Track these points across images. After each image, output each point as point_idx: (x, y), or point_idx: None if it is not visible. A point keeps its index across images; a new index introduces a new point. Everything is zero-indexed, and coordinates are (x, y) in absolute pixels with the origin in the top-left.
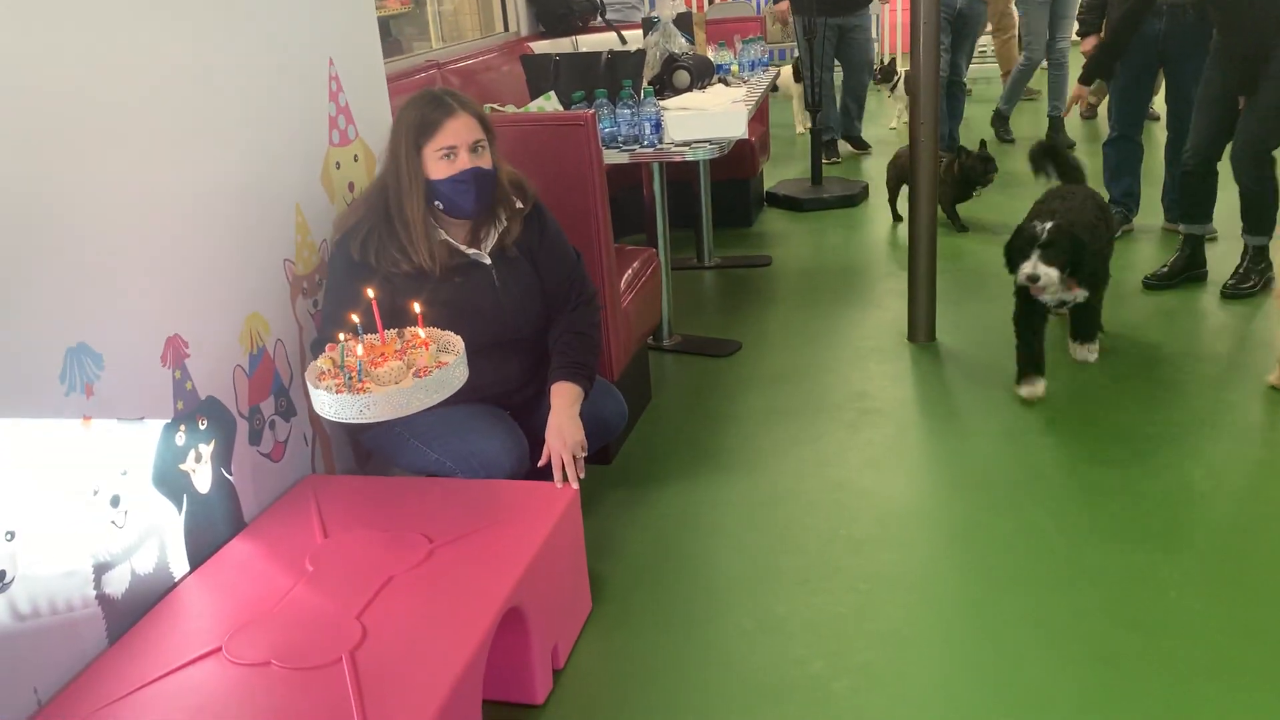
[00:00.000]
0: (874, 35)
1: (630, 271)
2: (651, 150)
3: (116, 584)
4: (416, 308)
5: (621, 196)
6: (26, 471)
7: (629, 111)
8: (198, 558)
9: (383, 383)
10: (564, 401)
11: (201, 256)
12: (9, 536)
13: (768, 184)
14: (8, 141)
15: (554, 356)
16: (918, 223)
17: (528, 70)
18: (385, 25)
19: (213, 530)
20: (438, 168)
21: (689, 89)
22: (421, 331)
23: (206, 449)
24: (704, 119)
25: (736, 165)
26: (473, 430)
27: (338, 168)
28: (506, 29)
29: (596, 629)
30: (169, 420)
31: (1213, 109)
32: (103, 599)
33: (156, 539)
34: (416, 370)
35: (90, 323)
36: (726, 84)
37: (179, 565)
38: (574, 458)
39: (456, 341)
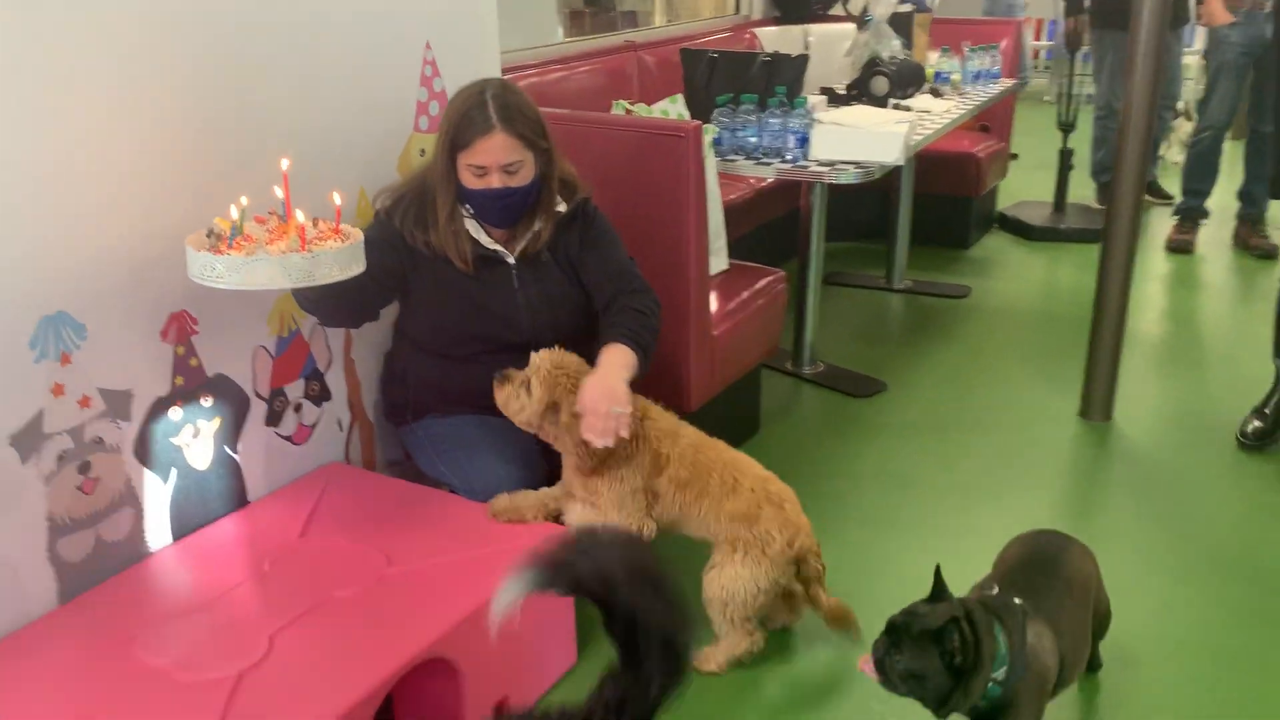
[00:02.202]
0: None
1: (741, 296)
2: (790, 167)
3: (75, 548)
4: (337, 199)
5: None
6: None
7: (777, 121)
8: (183, 530)
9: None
10: (615, 359)
11: None
12: None
13: (1009, 202)
14: None
15: (608, 329)
16: (1108, 278)
17: (685, 65)
18: None
19: (205, 506)
20: (468, 178)
21: (887, 98)
22: (350, 228)
23: (208, 425)
24: (854, 139)
25: (956, 182)
26: (484, 449)
27: (422, 154)
28: (738, 10)
29: (574, 684)
30: (164, 394)
31: None
32: (56, 560)
33: (132, 509)
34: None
35: (75, 293)
36: (938, 95)
37: (158, 536)
38: (612, 414)
39: (363, 261)
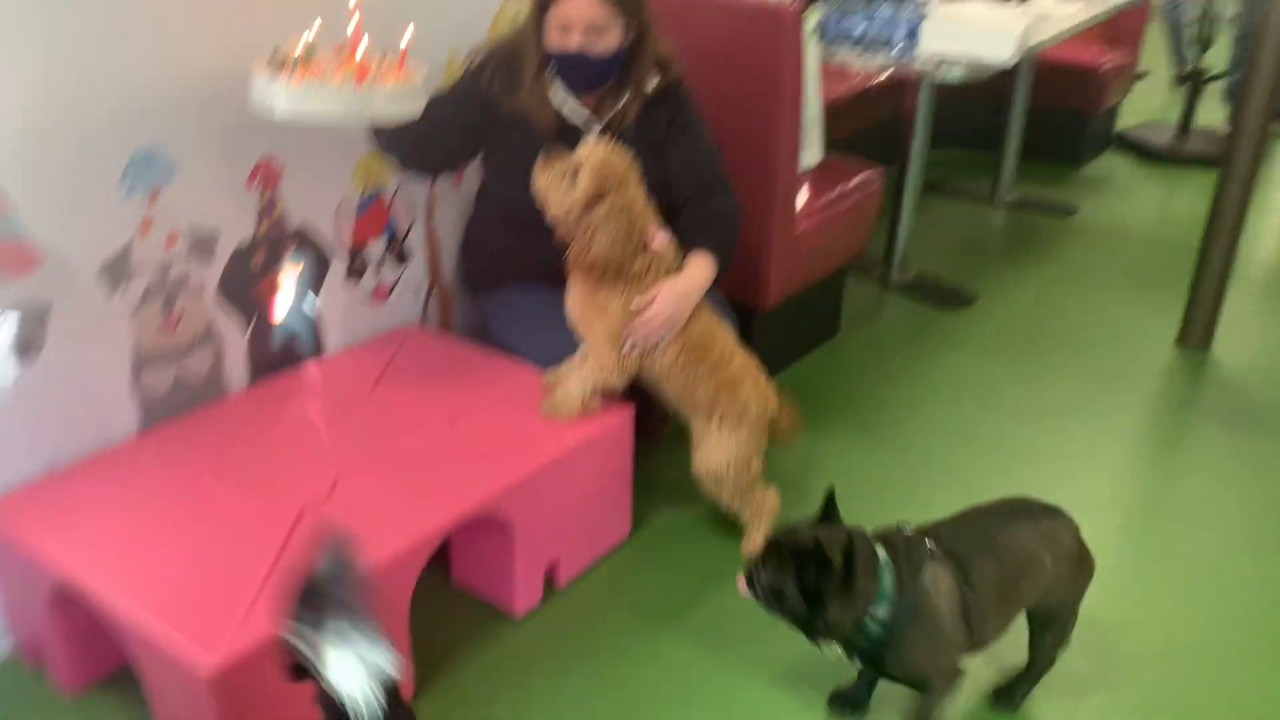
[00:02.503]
0: None
1: (832, 192)
2: (895, 59)
3: (157, 381)
4: (404, 40)
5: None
6: (69, 261)
7: (887, 9)
8: (260, 375)
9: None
10: (696, 278)
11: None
12: (42, 312)
13: (1133, 122)
14: None
15: (694, 231)
16: (1224, 200)
17: None
18: None
19: (284, 352)
20: (553, 36)
21: None
22: (416, 67)
23: (290, 274)
24: (965, 34)
25: (1073, 94)
26: (554, 324)
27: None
28: None
29: (623, 556)
30: (248, 239)
31: None
32: (138, 389)
33: (212, 348)
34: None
35: (169, 131)
36: None
37: (237, 377)
38: (658, 335)
39: (421, 100)
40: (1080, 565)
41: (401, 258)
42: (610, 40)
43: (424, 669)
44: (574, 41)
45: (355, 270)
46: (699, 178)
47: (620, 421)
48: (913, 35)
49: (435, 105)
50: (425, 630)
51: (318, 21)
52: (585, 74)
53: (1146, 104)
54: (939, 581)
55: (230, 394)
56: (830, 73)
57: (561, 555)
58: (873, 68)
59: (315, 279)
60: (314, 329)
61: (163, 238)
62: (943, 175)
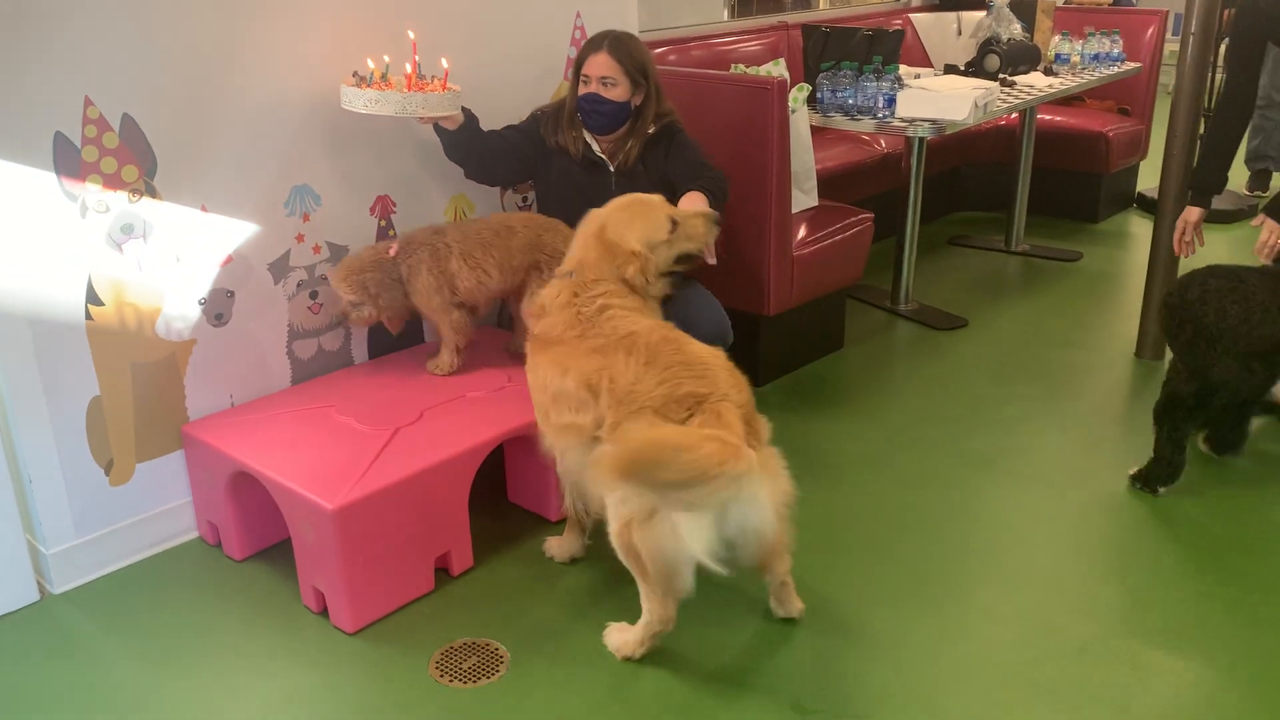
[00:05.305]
0: None
1: (827, 228)
2: (875, 121)
3: (304, 349)
4: (444, 63)
5: (965, 172)
6: (249, 259)
7: (871, 84)
8: (376, 352)
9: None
10: (691, 197)
11: (421, 143)
12: (229, 294)
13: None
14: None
15: (688, 185)
16: (1160, 230)
17: (805, 39)
18: None
19: (394, 339)
20: (580, 88)
21: (998, 73)
22: (454, 86)
23: None
24: (928, 99)
25: (1083, 158)
26: None
27: None
28: None
29: None
30: None
31: None
32: (291, 354)
33: (343, 330)
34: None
35: (317, 173)
36: (1050, 73)
37: (360, 352)
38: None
39: (455, 108)
40: None
41: None
42: (619, 93)
43: (483, 550)
44: (592, 88)
45: None
46: (693, 169)
47: None
48: (891, 103)
49: (499, 133)
50: (487, 528)
51: (386, 57)
52: (599, 115)
53: None
54: None
55: (354, 364)
56: (858, 141)
57: None
58: (862, 130)
59: None
60: (418, 322)
61: (311, 248)
62: (969, 231)
